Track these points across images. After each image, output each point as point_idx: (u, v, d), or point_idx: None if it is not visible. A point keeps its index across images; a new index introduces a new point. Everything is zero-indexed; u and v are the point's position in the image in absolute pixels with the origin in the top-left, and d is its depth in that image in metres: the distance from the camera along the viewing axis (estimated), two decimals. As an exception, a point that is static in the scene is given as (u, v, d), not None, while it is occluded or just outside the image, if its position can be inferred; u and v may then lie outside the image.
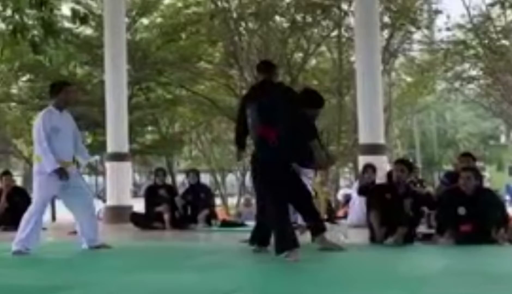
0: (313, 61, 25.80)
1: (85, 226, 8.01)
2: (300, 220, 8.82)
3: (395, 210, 8.07)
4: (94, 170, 26.85)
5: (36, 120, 7.91)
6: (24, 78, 23.64)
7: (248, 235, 7.84)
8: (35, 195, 7.78)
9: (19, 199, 12.68)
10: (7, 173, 13.85)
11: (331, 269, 6.17)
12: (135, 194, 23.66)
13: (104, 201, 17.50)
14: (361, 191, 9.42)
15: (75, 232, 11.52)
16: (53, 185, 7.70)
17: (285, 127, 6.57)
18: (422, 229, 9.20)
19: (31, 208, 7.77)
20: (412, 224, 8.21)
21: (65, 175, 7.57)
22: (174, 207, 12.47)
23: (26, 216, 7.76)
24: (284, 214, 6.67)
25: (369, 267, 6.39)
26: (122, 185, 15.22)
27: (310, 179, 9.14)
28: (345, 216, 13.92)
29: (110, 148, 15.31)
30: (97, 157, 7.52)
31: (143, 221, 12.40)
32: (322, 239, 7.26)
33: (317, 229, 7.30)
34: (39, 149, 7.61)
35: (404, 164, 8.94)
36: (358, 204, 11.59)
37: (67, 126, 7.88)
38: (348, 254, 7.23)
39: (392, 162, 10.10)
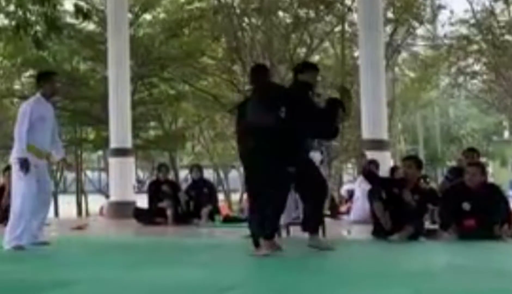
0: (316, 57, 25.78)
1: (34, 222, 7.77)
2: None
3: (403, 206, 8.02)
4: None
5: (23, 105, 7.86)
6: (26, 74, 23.66)
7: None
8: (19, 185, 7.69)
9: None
10: (8, 168, 13.76)
11: (333, 265, 6.16)
12: (138, 190, 23.70)
13: (107, 196, 17.52)
14: (367, 175, 9.17)
15: (78, 228, 11.60)
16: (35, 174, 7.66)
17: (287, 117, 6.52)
18: (425, 224, 9.18)
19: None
20: (419, 222, 8.14)
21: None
22: (177, 203, 12.46)
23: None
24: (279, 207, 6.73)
25: (371, 263, 6.37)
26: (125, 181, 15.23)
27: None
28: (348, 212, 13.90)
29: (113, 143, 15.32)
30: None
31: (146, 217, 12.39)
32: (313, 238, 7.16)
33: (311, 228, 7.17)
34: (17, 132, 7.61)
35: (412, 160, 8.92)
36: (361, 200, 11.57)
37: (51, 117, 7.91)
38: (351, 249, 7.23)
39: (396, 157, 10.06)
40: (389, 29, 22.57)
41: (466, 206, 7.85)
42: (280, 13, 23.18)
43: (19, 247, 7.42)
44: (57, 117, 8.38)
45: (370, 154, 12.06)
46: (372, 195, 8.39)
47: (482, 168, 8.36)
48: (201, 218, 12.16)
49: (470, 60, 25.55)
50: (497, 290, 4.66)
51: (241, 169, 33.54)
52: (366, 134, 13.20)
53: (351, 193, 15.18)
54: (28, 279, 5.50)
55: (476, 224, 7.77)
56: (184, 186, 14.14)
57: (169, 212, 12.18)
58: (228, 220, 12.89)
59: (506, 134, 43.62)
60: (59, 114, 23.76)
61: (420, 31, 25.62)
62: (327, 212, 12.15)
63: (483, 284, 4.88)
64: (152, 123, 26.95)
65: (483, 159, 28.51)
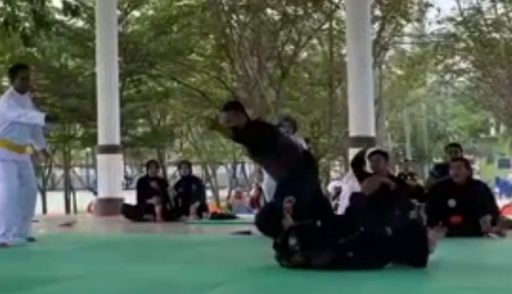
0: (304, 54, 25.87)
1: (19, 218, 7.72)
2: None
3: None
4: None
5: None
6: (15, 71, 23.58)
7: (239, 228, 7.86)
8: (3, 184, 7.65)
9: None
10: None
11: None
12: (126, 187, 23.70)
13: (96, 193, 17.52)
14: (354, 164, 9.17)
15: (67, 225, 11.61)
16: (15, 173, 7.64)
17: None
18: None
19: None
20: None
21: (57, 118, 7.66)
22: (166, 199, 12.48)
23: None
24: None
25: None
26: (114, 178, 15.23)
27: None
28: (335, 209, 13.96)
29: (102, 140, 15.32)
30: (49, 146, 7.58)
31: (134, 213, 12.41)
32: None
33: None
34: (21, 119, 7.51)
35: (379, 154, 9.03)
36: (348, 197, 11.62)
37: (31, 109, 7.85)
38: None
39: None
40: (376, 26, 22.63)
41: (451, 202, 7.89)
42: (268, 10, 23.22)
43: (3, 244, 7.40)
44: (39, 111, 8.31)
45: (357, 151, 12.12)
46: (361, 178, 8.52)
47: (467, 162, 8.42)
48: (189, 215, 12.19)
49: (457, 58, 25.67)
50: (491, 287, 4.72)
51: (229, 166, 33.58)
52: (353, 131, 13.24)
53: (338, 190, 15.27)
54: (15, 276, 5.51)
55: (463, 221, 7.81)
56: (172, 183, 14.16)
57: (157, 209, 12.20)
58: (216, 216, 12.94)
59: (492, 131, 43.84)
60: (48, 110, 23.95)
61: (407, 28, 25.72)
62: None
63: (469, 280, 4.94)
64: (141, 120, 26.92)
65: (469, 157, 28.67)
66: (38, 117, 7.53)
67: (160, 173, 16.98)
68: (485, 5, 23.38)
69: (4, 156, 7.61)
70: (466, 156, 10.47)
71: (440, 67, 26.44)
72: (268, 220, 5.64)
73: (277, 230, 5.36)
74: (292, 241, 5.09)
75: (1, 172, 7.58)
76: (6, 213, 7.51)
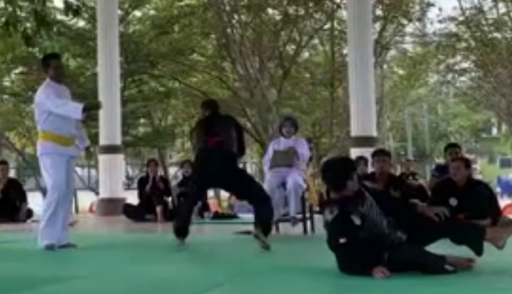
0: (305, 54, 25.87)
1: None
2: (292, 212, 8.88)
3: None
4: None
5: (38, 94, 7.45)
6: (16, 71, 23.60)
7: (240, 227, 7.87)
8: (48, 180, 7.26)
9: (14, 194, 12.68)
10: (4, 162, 13.71)
11: (320, 260, 6.19)
12: (127, 187, 23.68)
13: (97, 193, 17.52)
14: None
15: (71, 224, 11.60)
16: (63, 165, 7.25)
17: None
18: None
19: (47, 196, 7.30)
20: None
21: (98, 105, 7.50)
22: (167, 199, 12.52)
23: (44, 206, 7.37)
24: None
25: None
26: (115, 178, 15.25)
27: (302, 171, 9.20)
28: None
29: (103, 140, 15.34)
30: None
31: (136, 213, 12.42)
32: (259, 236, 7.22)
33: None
34: (57, 110, 7.14)
35: (384, 153, 9.05)
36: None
37: (69, 99, 7.51)
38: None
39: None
40: (378, 26, 22.62)
41: (453, 201, 7.88)
42: (270, 10, 23.22)
43: (51, 246, 7.15)
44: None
45: (358, 151, 12.13)
46: None
47: (466, 162, 8.41)
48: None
49: (459, 58, 25.65)
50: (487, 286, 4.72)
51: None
52: (354, 131, 13.26)
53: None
54: (16, 276, 5.52)
55: (465, 220, 7.80)
56: (173, 183, 14.17)
57: (158, 209, 12.21)
58: (217, 216, 12.95)
59: (494, 131, 43.84)
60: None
61: (408, 28, 25.68)
62: (317, 208, 12.21)
63: (472, 280, 4.94)
64: (142, 120, 26.90)
65: (471, 156, 28.66)
66: (75, 110, 7.11)
67: (160, 173, 16.97)
68: (487, 5, 23.36)
69: (48, 150, 7.27)
70: (468, 156, 10.47)
71: (441, 66, 26.43)
72: None
73: None
74: (357, 221, 5.06)
75: (47, 167, 7.23)
76: (53, 212, 7.18)
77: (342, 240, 4.99)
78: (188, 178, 12.76)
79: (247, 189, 7.44)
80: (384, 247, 5.07)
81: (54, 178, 7.16)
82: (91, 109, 7.56)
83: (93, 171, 31.37)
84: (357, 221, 5.04)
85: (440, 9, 24.36)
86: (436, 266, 4.99)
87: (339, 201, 5.14)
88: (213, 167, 7.31)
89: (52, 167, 7.19)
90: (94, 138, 15.69)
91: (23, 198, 12.85)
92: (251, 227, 8.14)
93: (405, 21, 24.01)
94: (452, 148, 10.08)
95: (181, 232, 7.43)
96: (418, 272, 4.97)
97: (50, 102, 7.16)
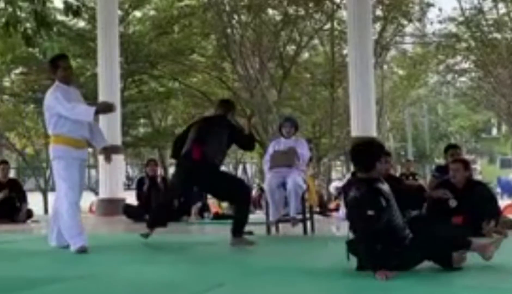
0: (305, 54, 25.89)
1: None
2: (292, 212, 8.89)
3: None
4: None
5: (47, 97, 7.17)
6: (16, 71, 23.63)
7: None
8: (60, 184, 7.10)
9: (14, 194, 12.66)
10: (4, 162, 13.68)
11: (320, 261, 6.20)
12: (128, 187, 23.69)
13: (97, 193, 17.52)
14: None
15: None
16: (76, 168, 7.08)
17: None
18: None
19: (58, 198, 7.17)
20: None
21: (111, 107, 7.20)
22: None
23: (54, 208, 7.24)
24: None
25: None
26: (115, 178, 15.23)
27: (302, 171, 9.20)
28: (337, 209, 13.99)
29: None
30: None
31: (136, 214, 12.41)
32: (239, 240, 7.35)
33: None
34: (67, 114, 6.95)
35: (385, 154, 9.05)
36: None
37: (80, 101, 7.29)
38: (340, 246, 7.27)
39: None
40: (378, 26, 22.64)
41: (452, 202, 7.88)
42: (270, 11, 23.24)
43: (82, 248, 6.98)
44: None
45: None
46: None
47: (466, 164, 8.40)
48: (190, 215, 12.20)
49: (459, 58, 25.68)
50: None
51: (231, 167, 33.57)
52: (354, 131, 13.25)
53: (339, 190, 15.29)
54: (16, 276, 5.52)
55: (464, 221, 7.81)
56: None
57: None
58: (217, 217, 12.95)
59: (494, 131, 43.86)
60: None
61: (408, 28, 25.72)
62: (317, 209, 12.23)
63: (471, 281, 4.95)
64: (142, 121, 26.95)
65: (471, 157, 28.68)
66: (85, 113, 6.97)
67: (161, 173, 16.97)
68: (487, 5, 23.40)
69: (60, 153, 7.08)
70: (468, 156, 10.49)
71: (441, 67, 26.47)
72: None
73: None
74: (383, 202, 5.11)
75: (60, 170, 7.05)
76: (74, 213, 7.03)
77: (370, 212, 5.01)
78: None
79: (226, 195, 8.08)
80: (401, 240, 5.15)
81: (70, 180, 7.01)
82: (104, 112, 7.36)
83: (93, 171, 31.41)
84: (383, 202, 5.09)
85: (440, 10, 24.50)
86: (464, 242, 5.12)
87: (367, 179, 5.21)
88: (194, 180, 7.79)
89: (65, 170, 7.03)
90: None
91: (23, 198, 12.83)
92: (252, 227, 8.17)
93: (405, 22, 24.04)
94: (452, 149, 10.08)
95: (154, 224, 7.90)
96: (416, 273, 4.97)
97: (61, 106, 6.96)
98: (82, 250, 6.89)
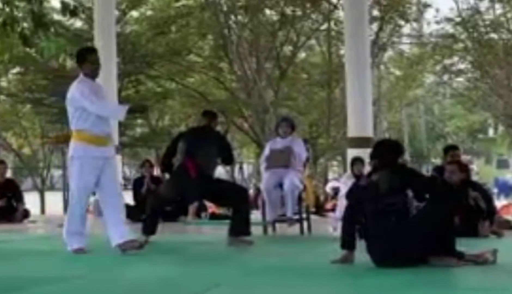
0: (302, 54, 25.90)
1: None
2: (289, 212, 8.90)
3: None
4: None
5: (70, 90, 6.92)
6: (14, 71, 23.61)
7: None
8: (70, 183, 6.99)
9: (11, 194, 12.65)
10: (1, 162, 13.67)
11: (317, 261, 6.21)
12: (124, 187, 23.67)
13: (94, 193, 17.47)
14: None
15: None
16: (92, 172, 6.83)
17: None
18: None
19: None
20: None
21: (145, 108, 7.11)
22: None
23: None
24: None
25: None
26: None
27: (299, 171, 9.21)
28: (333, 209, 13.99)
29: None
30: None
31: (133, 214, 12.38)
32: (236, 240, 7.39)
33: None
34: (94, 110, 6.73)
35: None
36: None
37: (104, 97, 7.17)
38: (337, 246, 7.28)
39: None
40: (375, 27, 22.65)
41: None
42: (267, 11, 23.24)
43: (80, 249, 6.91)
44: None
45: (355, 152, 12.13)
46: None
47: (462, 165, 8.43)
48: (187, 215, 12.19)
49: (456, 58, 25.68)
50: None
51: (227, 167, 33.60)
52: (351, 131, 13.24)
53: (336, 190, 15.30)
54: (13, 277, 5.51)
55: (460, 222, 7.82)
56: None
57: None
58: (214, 217, 12.94)
59: (490, 132, 43.84)
60: (46, 111, 23.96)
61: (406, 29, 25.75)
62: (313, 209, 12.24)
63: (475, 281, 4.96)
64: (139, 121, 26.92)
65: (468, 157, 28.70)
66: (118, 111, 6.85)
67: (157, 173, 16.96)
68: (484, 6, 23.44)
69: (80, 153, 6.83)
70: (465, 156, 10.51)
71: (438, 67, 26.46)
72: None
73: None
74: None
75: (73, 170, 6.86)
76: (71, 217, 6.93)
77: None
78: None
79: (223, 200, 8.35)
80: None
81: (77, 182, 6.84)
82: (136, 112, 7.14)
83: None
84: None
85: (437, 10, 24.44)
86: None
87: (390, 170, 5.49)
88: (191, 194, 8.09)
89: (79, 171, 6.81)
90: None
91: (19, 198, 12.82)
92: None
93: (402, 22, 24.06)
94: (452, 150, 10.09)
95: (149, 231, 7.86)
96: (417, 273, 4.98)
97: (88, 102, 6.70)
98: (79, 251, 6.86)
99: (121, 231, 6.90)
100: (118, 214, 7.00)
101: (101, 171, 6.83)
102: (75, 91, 6.81)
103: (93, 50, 7.43)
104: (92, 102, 6.71)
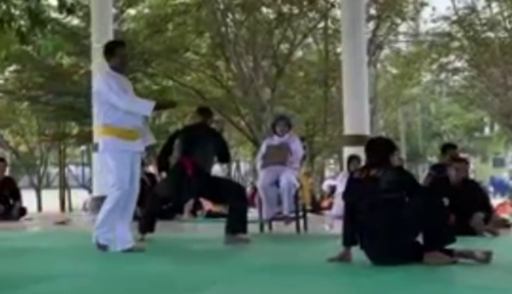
0: (299, 53, 25.93)
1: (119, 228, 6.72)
2: (285, 210, 8.91)
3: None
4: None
5: (97, 83, 6.90)
6: (11, 68, 23.60)
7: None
8: (112, 177, 6.66)
9: (8, 193, 12.65)
10: (1, 160, 13.65)
11: (313, 258, 6.22)
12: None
13: (91, 191, 17.52)
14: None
15: (61, 223, 11.62)
16: (127, 162, 6.61)
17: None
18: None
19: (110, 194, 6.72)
20: None
21: (174, 104, 7.13)
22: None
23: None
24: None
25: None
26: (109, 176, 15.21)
27: (296, 169, 9.23)
28: (330, 207, 14.02)
29: (97, 138, 15.29)
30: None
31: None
32: (233, 238, 7.40)
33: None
34: (122, 105, 6.56)
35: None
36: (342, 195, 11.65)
37: (132, 92, 6.96)
38: (333, 244, 7.31)
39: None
40: (371, 25, 22.70)
41: (445, 201, 7.92)
42: (264, 9, 23.26)
43: (104, 247, 6.71)
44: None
45: (352, 150, 12.17)
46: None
47: (466, 164, 8.52)
48: (183, 213, 12.19)
49: (452, 57, 25.75)
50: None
51: (224, 165, 33.58)
52: (348, 129, 13.29)
53: (332, 188, 15.32)
54: (8, 274, 5.49)
55: (456, 220, 7.84)
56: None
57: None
58: (211, 215, 12.95)
59: (487, 130, 43.90)
60: (43, 109, 23.96)
61: (402, 27, 25.83)
62: (309, 207, 12.26)
63: (471, 280, 4.97)
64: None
65: (464, 155, 28.77)
66: (144, 106, 6.67)
67: (155, 171, 16.96)
68: (480, 5, 23.50)
69: (110, 147, 6.66)
70: (461, 155, 10.53)
71: (435, 66, 26.52)
72: None
73: None
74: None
75: (111, 164, 6.62)
76: (109, 213, 6.67)
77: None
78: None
79: (220, 197, 8.49)
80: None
81: (118, 175, 6.56)
82: (165, 108, 7.10)
83: (87, 169, 31.36)
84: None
85: (433, 9, 24.53)
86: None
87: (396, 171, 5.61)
88: (188, 192, 7.97)
89: (115, 166, 6.59)
90: (88, 136, 15.68)
91: (16, 196, 12.82)
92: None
93: (398, 20, 24.13)
94: (452, 149, 10.10)
95: (146, 229, 7.91)
96: (416, 271, 5.00)
97: (116, 97, 6.53)
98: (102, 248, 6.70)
99: (126, 237, 6.76)
100: (129, 216, 6.81)
101: (130, 165, 6.65)
102: (103, 85, 6.67)
103: (123, 44, 7.20)
104: (120, 97, 6.56)
